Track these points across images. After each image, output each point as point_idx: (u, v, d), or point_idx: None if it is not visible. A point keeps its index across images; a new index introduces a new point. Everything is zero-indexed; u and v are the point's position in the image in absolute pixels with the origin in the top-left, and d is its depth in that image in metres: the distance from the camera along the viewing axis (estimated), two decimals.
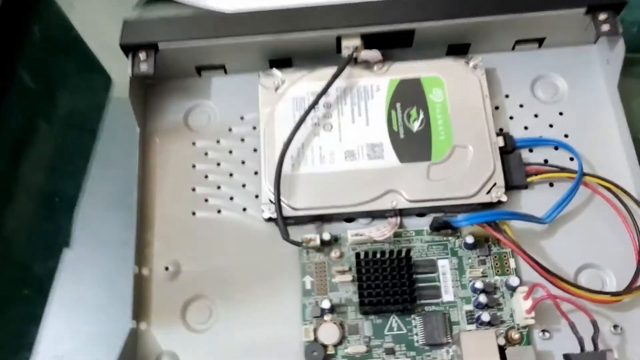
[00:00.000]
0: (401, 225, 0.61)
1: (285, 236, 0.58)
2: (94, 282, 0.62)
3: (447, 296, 0.58)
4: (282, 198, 0.60)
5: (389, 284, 0.56)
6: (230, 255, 0.61)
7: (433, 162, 0.61)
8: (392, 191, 0.60)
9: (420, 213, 0.62)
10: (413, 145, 0.62)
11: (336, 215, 0.61)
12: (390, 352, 0.56)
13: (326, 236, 0.59)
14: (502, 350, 0.53)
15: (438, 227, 0.59)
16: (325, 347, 0.56)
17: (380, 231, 0.58)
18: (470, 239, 0.58)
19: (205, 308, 0.59)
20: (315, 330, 0.56)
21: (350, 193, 0.60)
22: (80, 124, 0.72)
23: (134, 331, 0.57)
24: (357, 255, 0.57)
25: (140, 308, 0.59)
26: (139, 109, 0.66)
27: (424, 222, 0.61)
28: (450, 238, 0.60)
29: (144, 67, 0.63)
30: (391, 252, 0.57)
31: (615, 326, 0.56)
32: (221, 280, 0.60)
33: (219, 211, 0.63)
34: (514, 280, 0.56)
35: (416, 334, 0.56)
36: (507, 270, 0.59)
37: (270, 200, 0.60)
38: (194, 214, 0.63)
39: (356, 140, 0.62)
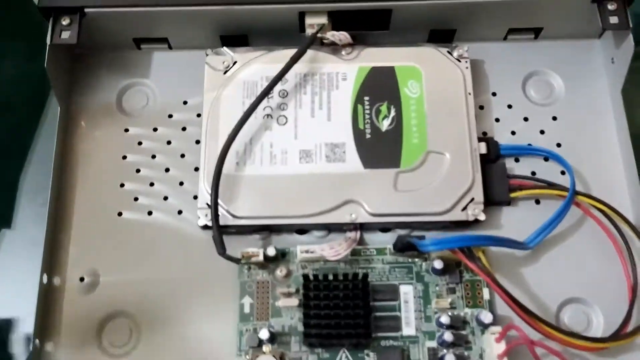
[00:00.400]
0: (361, 241, 0.53)
1: (221, 251, 0.49)
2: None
3: (408, 329, 0.50)
4: (221, 203, 0.50)
5: (341, 312, 0.48)
6: (159, 266, 0.52)
7: (402, 169, 0.52)
8: (352, 202, 0.51)
9: (385, 228, 0.53)
10: (380, 148, 0.53)
11: (285, 225, 0.52)
12: None
13: (271, 251, 0.50)
14: None
15: (402, 248, 0.50)
16: None
17: (335, 249, 0.50)
18: (438, 264, 0.50)
19: (125, 328, 0.50)
20: None
21: (303, 201, 0.51)
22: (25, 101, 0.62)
23: (37, 352, 0.49)
24: (306, 277, 0.48)
25: (46, 325, 0.50)
26: (60, 84, 0.56)
27: (388, 239, 0.52)
28: (416, 260, 0.52)
29: (66, 35, 0.53)
30: (345, 275, 0.48)
31: None
32: (146, 296, 0.51)
33: (149, 213, 0.54)
34: (486, 317, 0.48)
35: None
36: (480, 302, 0.50)
37: (207, 205, 0.50)
38: (120, 214, 0.54)
39: (314, 139, 0.53)
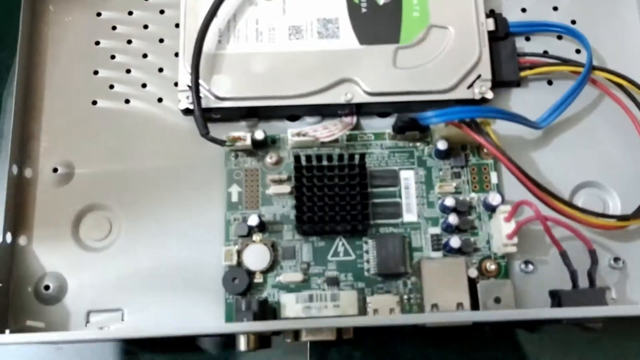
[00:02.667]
0: (357, 127, 0.48)
1: (204, 131, 0.44)
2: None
3: (409, 216, 0.46)
4: (202, 83, 0.46)
5: (337, 197, 0.44)
6: (139, 156, 0.48)
7: (402, 45, 0.47)
8: (347, 80, 0.47)
9: (383, 112, 0.49)
10: (378, 23, 0.48)
11: (274, 109, 0.47)
12: (333, 282, 0.44)
13: (259, 135, 0.46)
14: (472, 283, 0.42)
15: (402, 128, 0.46)
16: (251, 274, 0.44)
17: (329, 130, 0.45)
18: (442, 145, 0.46)
19: (104, 221, 0.47)
20: (239, 253, 0.44)
21: (293, 81, 0.46)
22: None
23: (9, 247, 0.45)
24: (298, 159, 0.44)
25: (19, 218, 0.46)
26: None
27: (387, 124, 0.48)
28: (417, 144, 0.47)
29: None
30: (341, 156, 0.44)
31: (616, 259, 0.45)
32: (126, 188, 0.47)
33: (127, 101, 0.49)
34: (494, 198, 0.44)
35: (367, 262, 0.45)
36: (487, 186, 0.47)
37: (188, 86, 0.46)
38: (94, 103, 0.49)
39: (305, 14, 0.48)
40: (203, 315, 0.44)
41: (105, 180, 0.47)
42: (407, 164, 0.47)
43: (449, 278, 0.41)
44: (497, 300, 0.42)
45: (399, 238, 0.45)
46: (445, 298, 0.41)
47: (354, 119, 0.48)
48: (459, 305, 0.41)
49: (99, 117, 0.49)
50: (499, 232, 0.44)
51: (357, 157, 0.44)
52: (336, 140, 0.47)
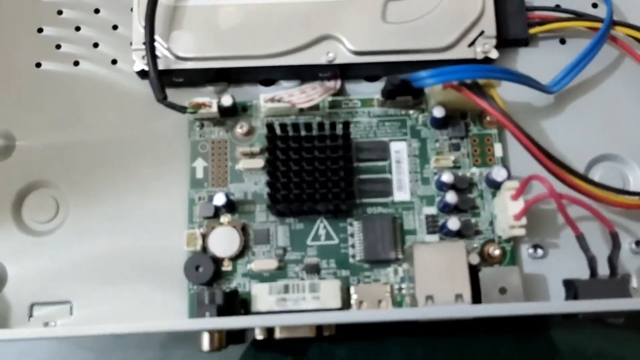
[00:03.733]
0: (341, 92, 0.42)
1: (160, 95, 0.38)
2: None
3: (401, 194, 0.40)
4: (159, 40, 0.39)
5: (316, 173, 0.38)
6: (90, 126, 0.42)
7: None
8: (329, 37, 0.40)
9: (371, 75, 0.42)
10: None
11: (245, 71, 0.41)
12: (313, 269, 0.38)
13: (227, 101, 0.40)
14: (474, 271, 0.36)
15: (393, 92, 0.39)
16: (217, 261, 0.38)
17: (307, 94, 0.39)
18: (439, 112, 0.39)
19: (50, 201, 0.41)
20: (204, 237, 0.38)
21: (267, 38, 0.40)
22: None
23: None
24: (271, 128, 0.38)
25: None
26: None
27: (375, 89, 0.42)
28: (410, 111, 0.41)
29: None
30: (321, 125, 0.38)
31: (638, 242, 0.39)
32: (74, 163, 0.41)
33: (76, 63, 0.43)
34: (499, 173, 0.38)
35: (352, 246, 0.39)
36: (490, 160, 0.41)
37: (143, 44, 0.39)
38: (38, 65, 0.43)
39: None
40: (163, 308, 0.38)
41: (50, 154, 0.41)
42: (399, 135, 0.41)
43: (446, 265, 0.35)
44: (503, 290, 0.36)
45: (388, 219, 0.39)
46: (441, 288, 0.35)
47: (338, 82, 0.42)
48: (458, 297, 0.35)
49: (43, 82, 0.43)
50: (505, 212, 0.38)
51: (340, 126, 0.38)
52: (316, 107, 0.41)
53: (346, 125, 0.38)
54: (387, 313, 0.34)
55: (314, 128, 0.38)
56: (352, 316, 0.33)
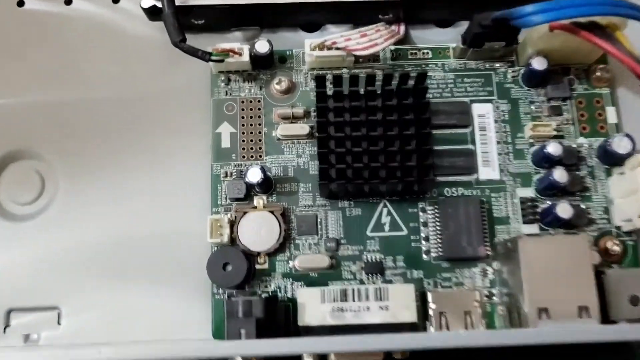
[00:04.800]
0: (406, 40, 0.33)
1: (177, 37, 0.29)
2: None
3: (488, 171, 0.31)
4: None
5: (381, 142, 0.28)
6: (85, 81, 0.34)
7: None
8: None
9: (443, 20, 0.33)
10: None
11: (283, 12, 0.32)
12: (375, 269, 0.29)
13: (262, 47, 0.30)
14: (597, 273, 0.27)
15: (481, 36, 0.30)
16: (250, 256, 0.29)
17: (369, 38, 0.30)
18: (540, 64, 0.30)
19: (33, 176, 0.32)
20: (233, 225, 0.29)
21: None
22: None
23: None
24: (321, 82, 0.29)
25: None
26: None
27: (449, 36, 0.33)
28: (497, 65, 0.32)
29: None
30: (388, 78, 0.29)
31: None
32: (64, 127, 0.32)
33: (68, 1, 0.34)
34: (620, 144, 0.29)
35: (426, 239, 0.30)
36: (602, 128, 0.31)
37: None
38: (20, 4, 0.34)
39: None
40: (179, 319, 0.29)
41: (34, 117, 0.33)
42: (483, 94, 0.32)
43: (565, 267, 0.26)
44: (635, 300, 0.27)
45: (475, 204, 0.30)
46: (559, 298, 0.26)
47: (402, 28, 0.32)
48: (582, 311, 0.26)
49: (26, 25, 0.33)
50: (627, 197, 0.29)
51: (412, 78, 0.29)
52: (375, 59, 0.32)
53: (421, 77, 0.29)
54: (493, 335, 0.25)
55: (378, 81, 0.29)
56: (443, 339, 0.24)
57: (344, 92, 0.29)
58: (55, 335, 0.30)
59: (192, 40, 0.31)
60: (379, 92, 0.29)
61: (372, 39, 0.29)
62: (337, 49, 0.30)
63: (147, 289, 0.30)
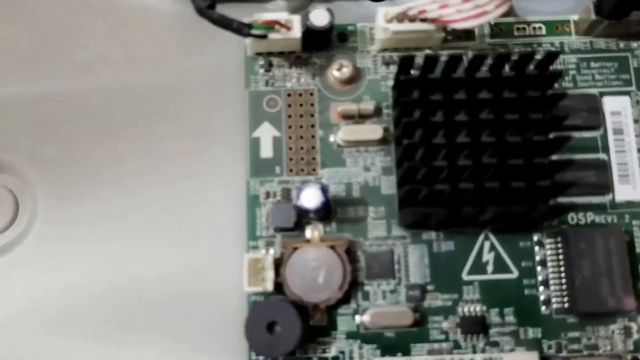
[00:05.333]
0: (510, 10, 0.24)
1: (203, 2, 0.20)
2: None
3: (628, 190, 0.23)
4: None
5: (487, 149, 0.20)
6: (75, 65, 0.25)
7: None
8: None
9: None
10: None
11: None
12: (475, 326, 0.21)
13: (320, 18, 0.22)
14: None
15: (625, 3, 0.22)
16: (304, 310, 0.21)
17: (474, 4, 0.21)
18: None
19: (4, 196, 0.23)
20: (278, 265, 0.21)
21: None
22: None
23: None
24: (406, 64, 0.20)
25: None
26: None
27: (570, 4, 0.24)
28: (635, 44, 0.24)
29: None
30: (500, 59, 0.20)
31: None
32: (47, 128, 0.24)
33: None
34: None
35: (544, 284, 0.21)
36: None
37: None
38: None
39: None
40: None
41: (5, 115, 0.23)
42: (617, 84, 0.23)
43: None
44: None
45: (615, 236, 0.21)
46: None
47: None
48: None
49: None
50: None
51: (537, 59, 0.20)
52: (468, 35, 0.23)
53: (552, 57, 0.20)
54: None
55: (486, 63, 0.20)
56: None
57: (437, 75, 0.21)
58: None
59: (221, 10, 0.22)
60: (487, 74, 0.21)
61: (479, 5, 0.21)
62: (425, 20, 0.21)
63: (160, 355, 0.22)
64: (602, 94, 0.23)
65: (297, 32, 0.22)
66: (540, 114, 0.20)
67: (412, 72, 0.21)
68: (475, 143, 0.20)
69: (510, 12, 0.25)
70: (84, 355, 0.22)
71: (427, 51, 0.23)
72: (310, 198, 0.20)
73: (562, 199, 0.22)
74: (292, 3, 0.25)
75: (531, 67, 0.21)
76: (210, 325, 0.22)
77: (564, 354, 0.21)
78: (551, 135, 0.20)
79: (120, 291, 0.22)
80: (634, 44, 0.24)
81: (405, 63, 0.20)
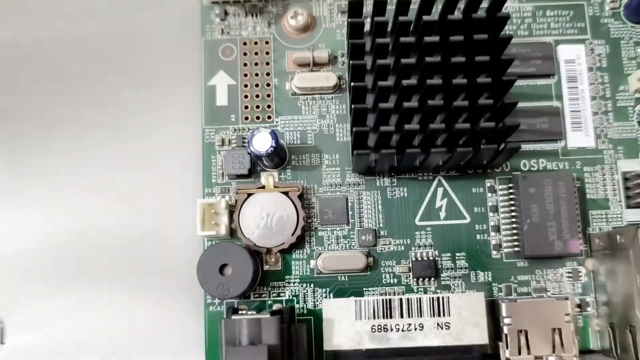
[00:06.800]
0: None
1: None
2: None
3: (580, 136, 0.23)
4: None
5: (436, 92, 0.20)
6: (30, 13, 0.24)
7: None
8: None
9: None
10: None
11: None
12: (427, 270, 0.22)
13: None
14: None
15: None
16: (258, 255, 0.21)
17: None
18: None
19: None
20: (232, 212, 0.21)
21: None
22: None
23: None
24: (355, 9, 0.20)
25: None
26: None
27: None
28: None
29: None
30: (450, 3, 0.20)
31: None
32: (13, 80, 0.24)
33: None
34: None
35: (497, 229, 0.22)
36: None
37: None
38: None
39: None
40: (159, 337, 0.22)
41: None
42: (572, 32, 0.23)
43: None
44: None
45: (564, 181, 0.22)
46: None
47: None
48: None
49: None
50: None
51: (484, 4, 0.20)
52: None
53: (500, 2, 0.20)
54: None
55: (436, 9, 0.20)
56: None
57: (388, 26, 0.21)
58: None
59: None
60: (437, 24, 0.21)
61: None
62: None
63: (120, 299, 0.22)
64: (557, 42, 0.24)
65: None
66: (487, 58, 0.20)
67: (363, 15, 0.21)
68: (422, 86, 0.20)
69: None
70: (45, 298, 0.22)
71: None
72: (261, 143, 0.21)
73: (515, 143, 0.23)
74: None
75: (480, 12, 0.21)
76: (168, 270, 0.22)
77: (513, 296, 0.22)
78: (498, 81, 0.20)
79: (78, 240, 0.22)
80: None
81: (354, 7, 0.20)
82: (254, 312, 0.20)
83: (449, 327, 0.20)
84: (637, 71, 0.23)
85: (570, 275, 0.22)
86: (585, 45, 0.23)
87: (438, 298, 0.20)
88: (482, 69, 0.20)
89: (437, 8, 0.21)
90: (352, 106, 0.20)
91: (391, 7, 0.21)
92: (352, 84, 0.20)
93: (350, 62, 0.20)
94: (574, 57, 0.23)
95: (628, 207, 0.22)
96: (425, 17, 0.20)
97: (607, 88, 0.23)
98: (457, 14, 0.20)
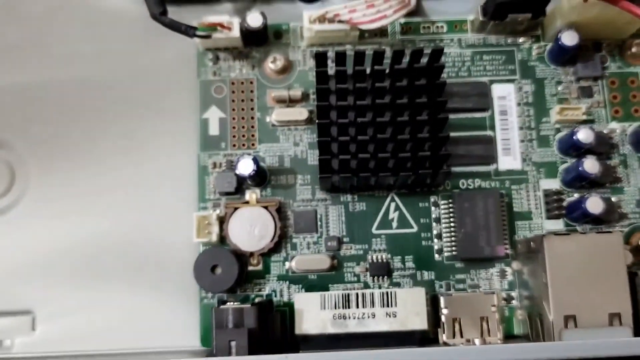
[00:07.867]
0: (418, 11, 0.29)
1: (157, 9, 0.25)
2: None
3: (508, 160, 0.28)
4: None
5: (387, 128, 0.25)
6: (55, 58, 0.29)
7: None
8: None
9: None
10: None
11: None
12: (381, 270, 0.26)
13: (255, 20, 0.27)
14: (629, 274, 0.24)
15: (505, 6, 0.26)
16: (242, 257, 0.26)
17: (377, 9, 0.26)
18: (571, 38, 0.27)
19: (2, 167, 0.28)
20: (222, 222, 0.26)
21: None
22: None
23: None
24: (321, 59, 0.25)
25: None
26: None
27: (467, 7, 0.29)
28: (520, 40, 0.28)
29: None
30: (398, 55, 0.25)
31: None
32: (37, 112, 0.29)
33: None
34: None
35: (438, 237, 0.27)
36: (637, 112, 0.28)
37: None
38: None
39: None
40: (163, 326, 0.27)
41: (3, 100, 0.28)
42: (504, 73, 0.28)
43: (596, 268, 0.23)
44: None
45: (493, 197, 0.26)
46: (587, 304, 0.23)
47: None
48: (613, 319, 0.23)
49: None
50: None
51: (426, 55, 0.25)
52: (383, 33, 0.28)
53: (437, 53, 0.25)
54: (514, 350, 0.22)
55: (387, 60, 0.25)
56: (458, 354, 0.21)
57: (348, 72, 0.26)
58: (29, 342, 0.27)
59: (175, 13, 0.27)
60: (387, 71, 0.26)
61: (380, 10, 0.26)
62: (340, 22, 0.26)
63: (129, 293, 0.27)
64: (491, 82, 0.28)
65: (236, 32, 0.27)
66: (426, 98, 0.25)
67: (328, 63, 0.26)
68: (377, 122, 0.25)
69: (417, 12, 0.29)
70: (69, 292, 0.27)
71: (348, 46, 0.28)
72: (245, 167, 0.26)
73: (456, 168, 0.27)
74: (237, 5, 0.29)
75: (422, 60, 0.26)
76: (170, 270, 0.27)
77: (451, 291, 0.27)
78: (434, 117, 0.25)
79: (96, 243, 0.27)
80: (520, 40, 0.29)
81: (319, 58, 0.25)
82: (239, 303, 0.24)
83: (396, 315, 0.25)
84: (557, 106, 0.28)
85: (499, 274, 0.27)
86: (515, 84, 0.28)
87: (387, 292, 0.25)
88: (422, 108, 0.25)
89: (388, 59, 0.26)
90: (317, 139, 0.25)
91: (351, 54, 0.26)
92: (317, 121, 0.25)
93: (316, 103, 0.25)
94: (505, 94, 0.28)
95: (548, 218, 0.27)
96: (376, 67, 0.25)
97: (532, 120, 0.28)
98: (404, 63, 0.25)
